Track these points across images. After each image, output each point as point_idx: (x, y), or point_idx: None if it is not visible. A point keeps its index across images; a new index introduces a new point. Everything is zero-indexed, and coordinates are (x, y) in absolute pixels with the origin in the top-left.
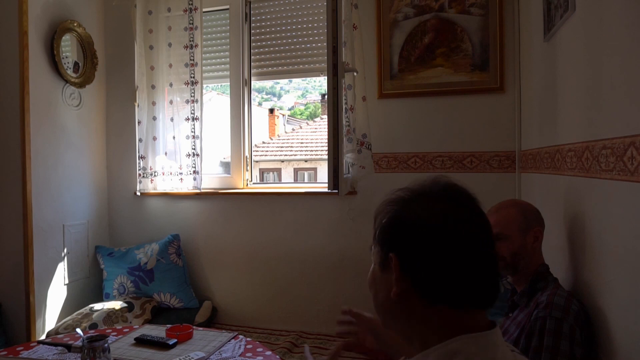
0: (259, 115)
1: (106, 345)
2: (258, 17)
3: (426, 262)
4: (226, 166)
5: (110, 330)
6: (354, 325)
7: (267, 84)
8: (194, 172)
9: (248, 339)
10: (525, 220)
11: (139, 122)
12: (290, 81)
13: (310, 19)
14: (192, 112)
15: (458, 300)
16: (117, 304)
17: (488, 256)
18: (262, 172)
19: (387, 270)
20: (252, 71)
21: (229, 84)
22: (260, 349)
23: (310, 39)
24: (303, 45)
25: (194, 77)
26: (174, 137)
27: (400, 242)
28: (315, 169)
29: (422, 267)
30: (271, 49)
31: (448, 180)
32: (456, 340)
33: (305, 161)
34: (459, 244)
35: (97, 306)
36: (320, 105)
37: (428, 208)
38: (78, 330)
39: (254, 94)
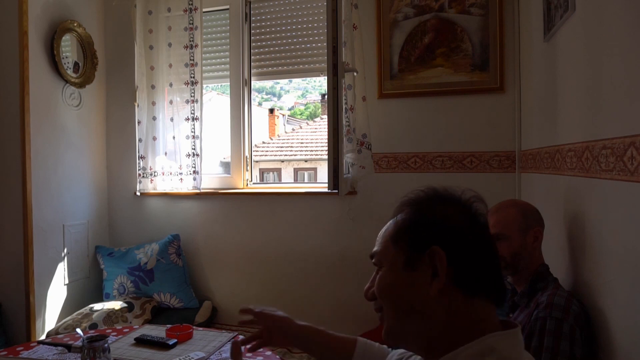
0: (259, 115)
1: (106, 345)
2: (258, 17)
3: (468, 254)
4: (226, 166)
5: (110, 330)
6: (257, 324)
7: (267, 84)
8: (194, 172)
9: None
10: (525, 220)
11: (138, 122)
12: (290, 81)
13: (310, 19)
14: (192, 112)
15: (493, 291)
16: (117, 304)
17: (497, 255)
18: (262, 172)
19: (417, 269)
20: (252, 71)
21: (229, 84)
22: (260, 349)
23: (310, 39)
24: (303, 45)
25: (194, 77)
26: (173, 137)
27: (440, 236)
28: (315, 169)
29: (465, 259)
30: (271, 49)
31: (448, 185)
32: (489, 337)
33: (305, 161)
34: (484, 241)
35: (97, 306)
36: (320, 105)
37: (452, 208)
38: (78, 330)
39: (254, 94)
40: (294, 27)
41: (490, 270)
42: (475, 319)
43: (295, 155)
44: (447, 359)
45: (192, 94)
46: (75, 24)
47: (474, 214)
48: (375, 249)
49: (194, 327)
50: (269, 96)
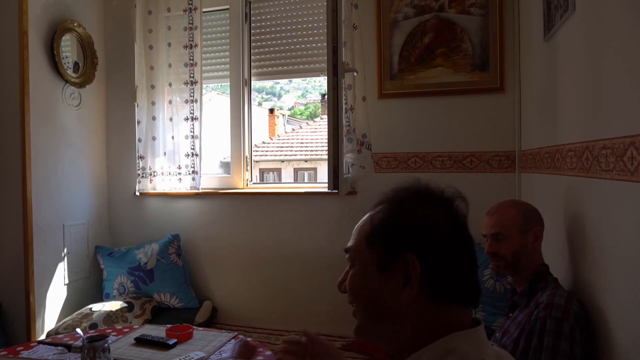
0: (259, 115)
1: (106, 345)
2: (258, 17)
3: (443, 262)
4: (226, 166)
5: (110, 330)
6: (301, 347)
7: (267, 84)
8: (193, 172)
9: (248, 339)
10: (525, 221)
11: (138, 122)
12: (290, 81)
13: (310, 19)
14: (192, 112)
15: (467, 296)
16: (117, 304)
17: (475, 257)
18: (262, 172)
19: (390, 273)
20: (252, 71)
21: (229, 84)
22: (260, 349)
23: (310, 39)
24: (303, 45)
25: (193, 77)
26: (173, 137)
27: (416, 242)
28: (315, 169)
29: (439, 269)
30: (271, 49)
31: (429, 181)
32: (452, 337)
33: (305, 161)
34: (462, 244)
35: (97, 306)
36: (320, 105)
37: (432, 208)
38: (78, 330)
39: (254, 94)
40: (294, 27)
41: (466, 276)
42: (445, 321)
43: (295, 155)
44: (412, 359)
45: (192, 94)
46: (75, 24)
47: (455, 214)
48: (349, 244)
49: (194, 327)
50: (269, 96)
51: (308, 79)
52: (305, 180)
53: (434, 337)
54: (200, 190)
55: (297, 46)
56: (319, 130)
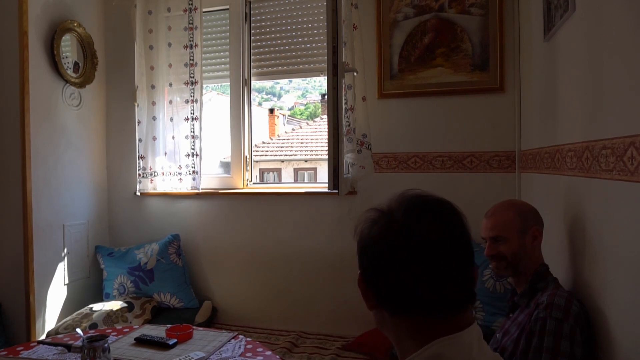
0: (259, 115)
1: (106, 345)
2: (258, 17)
3: (383, 277)
4: (226, 166)
5: (110, 330)
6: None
7: (267, 84)
8: (193, 172)
9: (248, 339)
10: (523, 221)
11: (138, 122)
12: (290, 81)
13: (310, 19)
14: (192, 112)
15: (419, 310)
16: (117, 304)
17: (449, 264)
18: (262, 172)
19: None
20: (252, 71)
21: (229, 84)
22: (260, 349)
23: (310, 39)
24: (303, 45)
25: (193, 77)
26: (173, 137)
27: (362, 260)
28: (315, 169)
29: (380, 282)
30: (271, 49)
31: (415, 193)
32: (435, 344)
33: (305, 161)
34: (415, 258)
35: (97, 306)
36: (320, 105)
37: (386, 226)
38: (78, 330)
39: (254, 94)
40: (294, 27)
41: (428, 287)
42: (426, 329)
43: (295, 155)
44: None
45: (192, 94)
46: (75, 24)
47: (408, 232)
48: None
49: (194, 327)
50: (269, 96)
51: (308, 79)
52: (305, 180)
53: (419, 345)
54: (200, 190)
55: (297, 46)
56: (319, 130)
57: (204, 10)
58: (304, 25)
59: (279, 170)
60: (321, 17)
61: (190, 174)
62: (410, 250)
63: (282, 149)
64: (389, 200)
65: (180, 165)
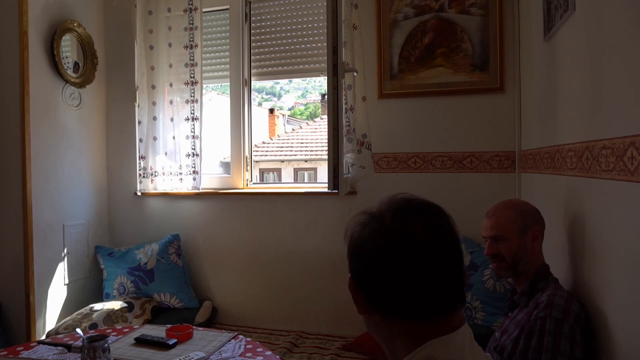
0: (259, 115)
1: (106, 345)
2: (258, 17)
3: (373, 280)
4: (226, 166)
5: (110, 330)
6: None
7: (267, 84)
8: (194, 172)
9: (248, 339)
10: (523, 221)
11: (139, 122)
12: (290, 81)
13: (310, 19)
14: (192, 112)
15: (410, 313)
16: (117, 304)
17: (439, 267)
18: (262, 172)
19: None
20: (252, 71)
21: (229, 84)
22: (260, 349)
23: (310, 39)
24: (303, 45)
25: (194, 77)
26: (173, 137)
27: (352, 263)
28: (315, 169)
29: (371, 286)
30: (271, 49)
31: (404, 197)
32: (427, 346)
33: (305, 161)
34: (405, 261)
35: (97, 306)
36: (320, 105)
37: (376, 229)
38: (78, 330)
39: (254, 94)
40: (294, 27)
41: (419, 290)
42: (417, 330)
43: (295, 155)
44: None
45: (192, 94)
46: (75, 24)
47: (398, 235)
48: None
49: (194, 327)
50: (269, 96)
51: (308, 79)
52: (305, 180)
53: (411, 348)
54: (201, 190)
55: (297, 46)
56: (319, 130)
57: (204, 10)
58: (304, 25)
59: (279, 171)
60: (321, 17)
61: (190, 174)
62: (400, 254)
63: (282, 149)
64: (379, 204)
65: (180, 165)
